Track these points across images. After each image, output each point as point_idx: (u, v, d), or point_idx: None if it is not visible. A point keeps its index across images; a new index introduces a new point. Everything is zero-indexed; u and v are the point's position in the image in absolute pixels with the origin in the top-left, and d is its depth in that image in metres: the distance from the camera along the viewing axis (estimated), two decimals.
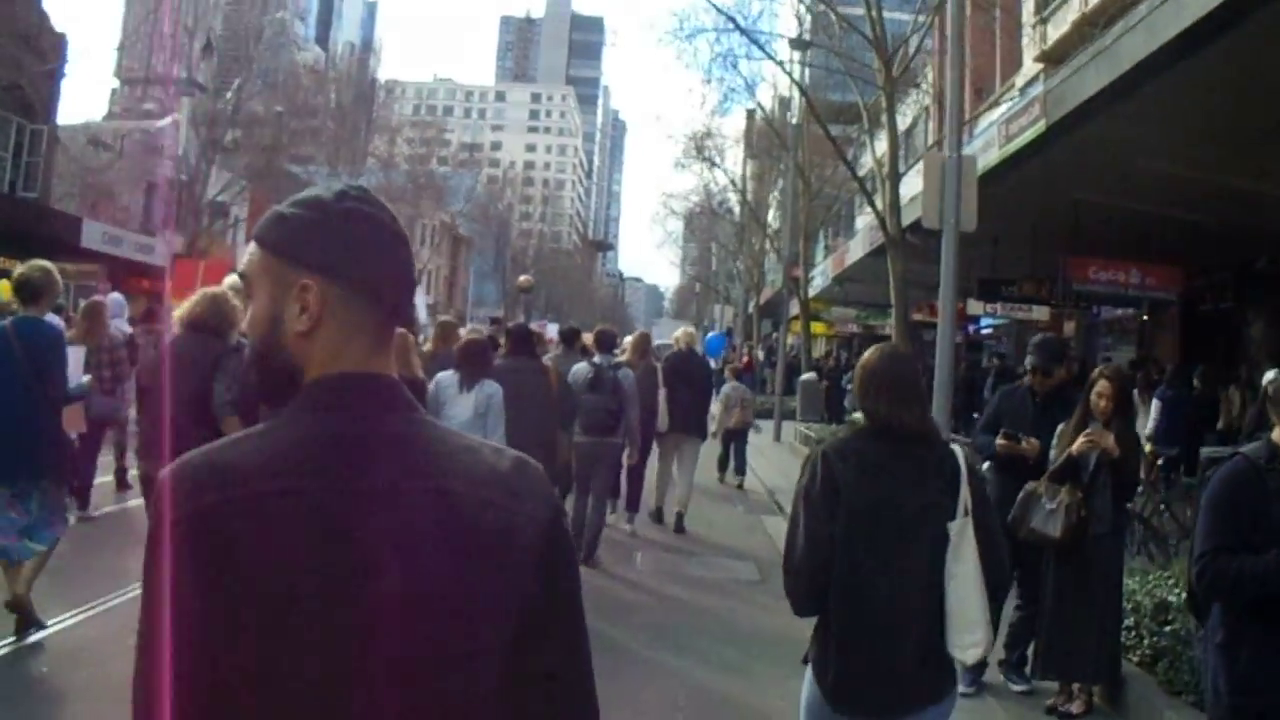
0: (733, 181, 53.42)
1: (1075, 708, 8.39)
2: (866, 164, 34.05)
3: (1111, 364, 9.11)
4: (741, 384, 23.12)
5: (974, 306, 26.19)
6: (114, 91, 65.84)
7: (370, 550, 1.86)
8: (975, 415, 25.82)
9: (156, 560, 1.87)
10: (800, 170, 35.22)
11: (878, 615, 4.39)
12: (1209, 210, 17.05)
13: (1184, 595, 6.56)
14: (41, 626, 8.32)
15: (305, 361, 2.03)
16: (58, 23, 37.71)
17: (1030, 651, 8.76)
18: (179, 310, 8.66)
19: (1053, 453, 8.38)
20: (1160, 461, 16.13)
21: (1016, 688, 8.93)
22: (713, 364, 36.30)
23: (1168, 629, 8.35)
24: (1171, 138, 14.49)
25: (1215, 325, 23.98)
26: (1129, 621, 8.73)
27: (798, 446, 26.65)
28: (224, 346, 8.25)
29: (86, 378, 9.98)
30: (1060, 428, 8.41)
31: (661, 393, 15.36)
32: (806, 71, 32.95)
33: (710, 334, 56.75)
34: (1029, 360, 9.30)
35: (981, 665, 7.69)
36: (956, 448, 4.66)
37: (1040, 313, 25.83)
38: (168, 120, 42.57)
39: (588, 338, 15.74)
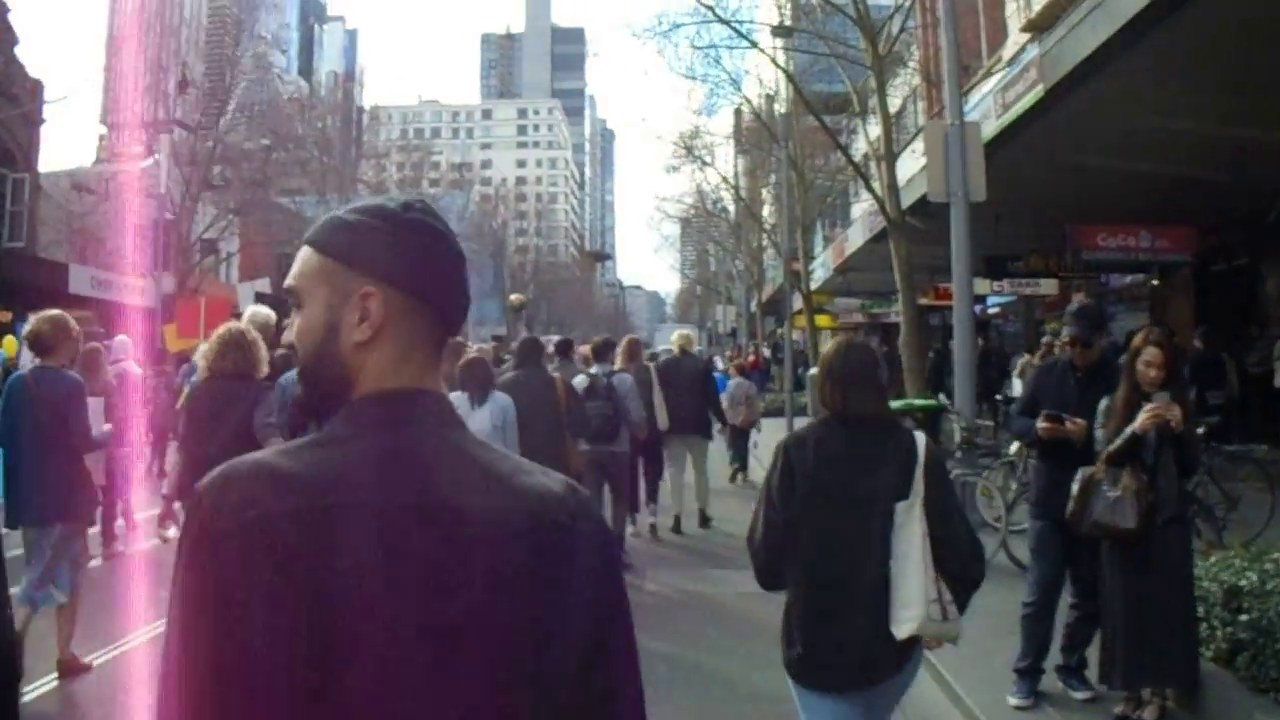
0: (725, 179, 52.86)
1: (1148, 715, 7.25)
2: (859, 150, 33.73)
3: (1157, 329, 7.63)
4: (748, 380, 22.92)
5: (980, 285, 25.60)
6: (101, 137, 65.38)
7: (440, 570, 1.82)
8: (998, 397, 25.51)
9: (197, 572, 1.80)
10: (793, 161, 34.62)
11: (835, 592, 4.74)
12: (1217, 165, 16.64)
13: (1256, 578, 6.61)
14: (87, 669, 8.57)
15: (359, 373, 1.97)
16: (34, 69, 37.48)
17: (1096, 656, 7.57)
18: (203, 356, 8.80)
19: (1099, 432, 7.36)
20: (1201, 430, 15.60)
21: (1078, 695, 7.86)
22: (720, 365, 35.96)
23: (1243, 618, 7.43)
24: (1175, 91, 14.05)
25: (1230, 284, 23.40)
26: (1198, 612, 7.60)
27: None
28: (255, 389, 8.41)
29: (108, 426, 9.83)
30: (1104, 404, 7.41)
31: (657, 394, 15.27)
32: (791, 60, 32.40)
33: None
34: (1067, 331, 8.13)
35: (1036, 672, 7.91)
36: (918, 435, 4.90)
37: (1048, 286, 25.39)
38: (149, 161, 42.13)
39: (585, 349, 16.00)
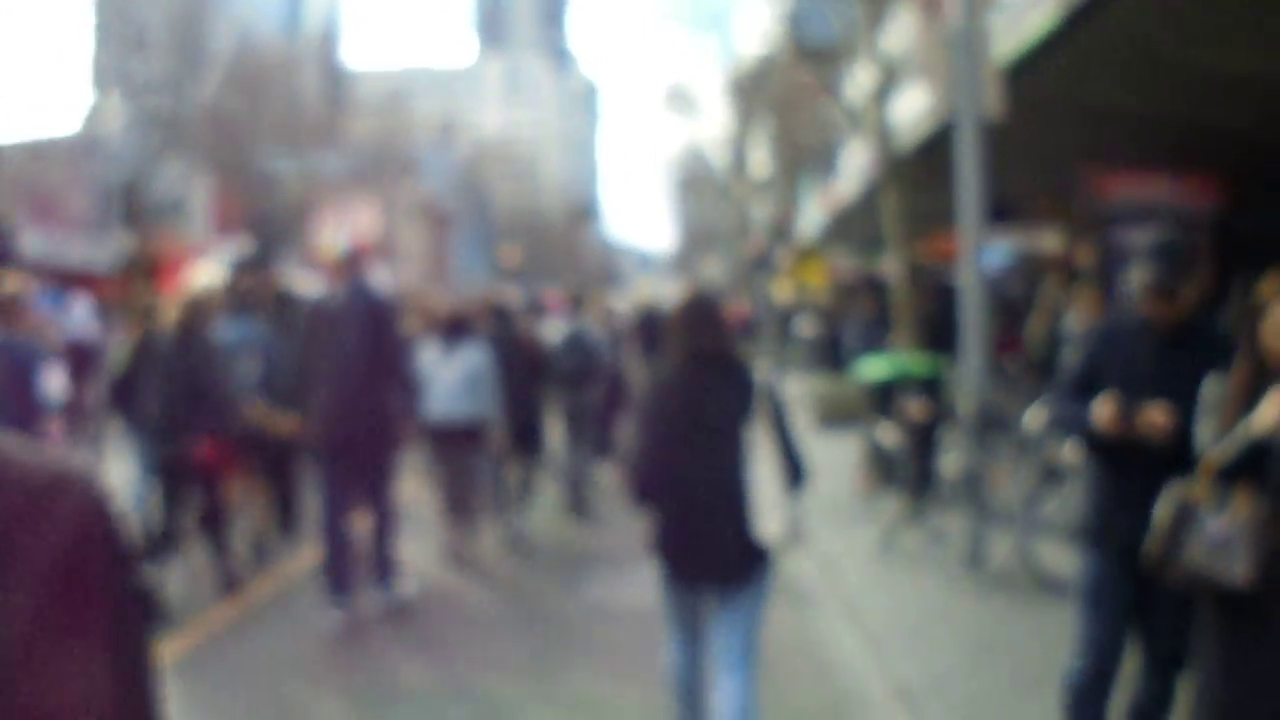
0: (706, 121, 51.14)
1: None
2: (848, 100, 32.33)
3: None
4: None
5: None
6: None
7: None
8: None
9: None
10: (780, 106, 33.04)
11: (692, 500, 5.59)
12: (1248, 108, 15.18)
13: None
14: None
15: None
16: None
17: None
18: (171, 310, 9.64)
19: (1201, 431, 4.74)
20: None
21: None
22: None
23: None
24: (1208, 16, 12.48)
25: (1255, 240, 21.83)
26: None
27: (796, 406, 22.99)
28: (211, 343, 9.57)
29: (63, 388, 9.71)
30: (1209, 387, 4.76)
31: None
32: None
33: None
34: (1142, 277, 5.30)
35: None
36: (755, 368, 5.95)
37: (1052, 242, 23.79)
38: (115, 123, 40.72)
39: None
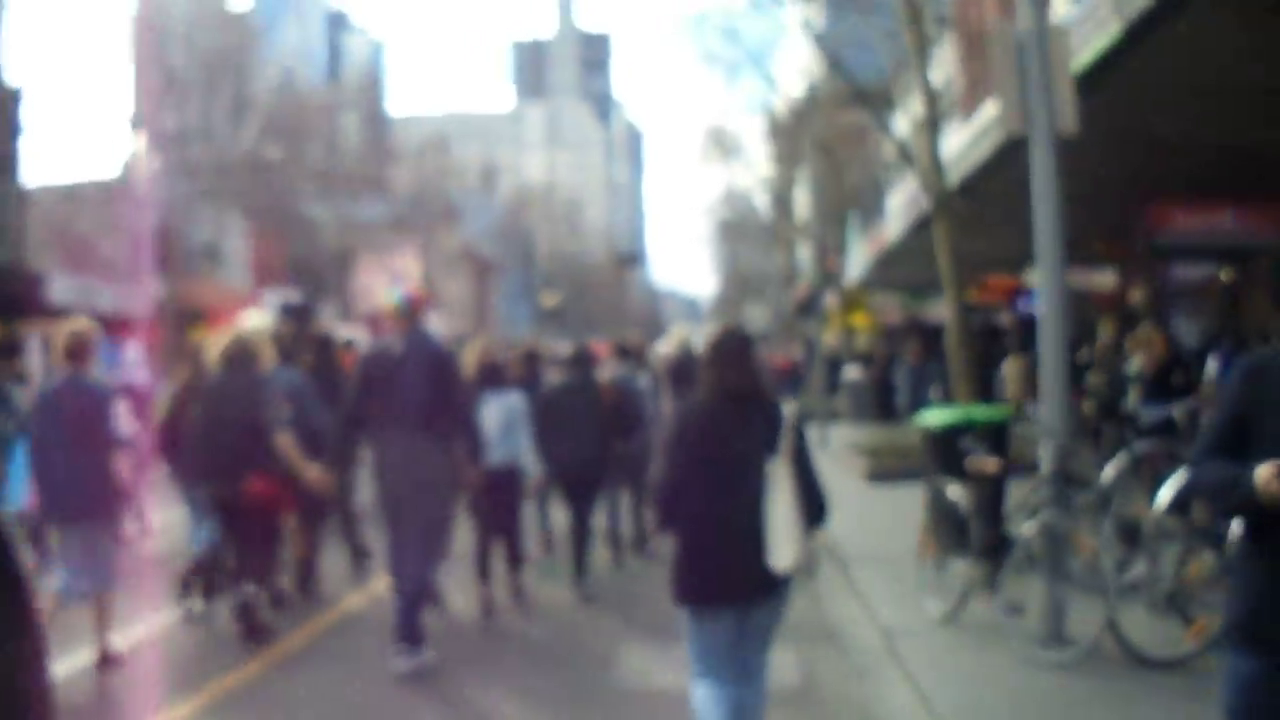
0: (748, 165, 50.48)
1: None
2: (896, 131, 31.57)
3: None
4: None
5: (1032, 277, 23.24)
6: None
7: None
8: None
9: None
10: (824, 147, 32.32)
11: (717, 531, 5.92)
12: None
13: None
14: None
15: None
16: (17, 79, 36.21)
17: None
18: (212, 353, 10.06)
19: None
20: None
21: None
22: None
23: None
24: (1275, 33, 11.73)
25: None
26: None
27: (848, 457, 22.21)
28: (261, 380, 9.76)
29: (132, 428, 10.02)
30: None
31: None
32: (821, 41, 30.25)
33: None
34: None
35: None
36: (783, 405, 6.22)
37: (1104, 280, 22.90)
38: (149, 168, 40.47)
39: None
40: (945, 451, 11.32)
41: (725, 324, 6.99)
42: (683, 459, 5.97)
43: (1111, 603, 8.24)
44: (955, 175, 18.33)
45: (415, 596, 9.11)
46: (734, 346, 6.19)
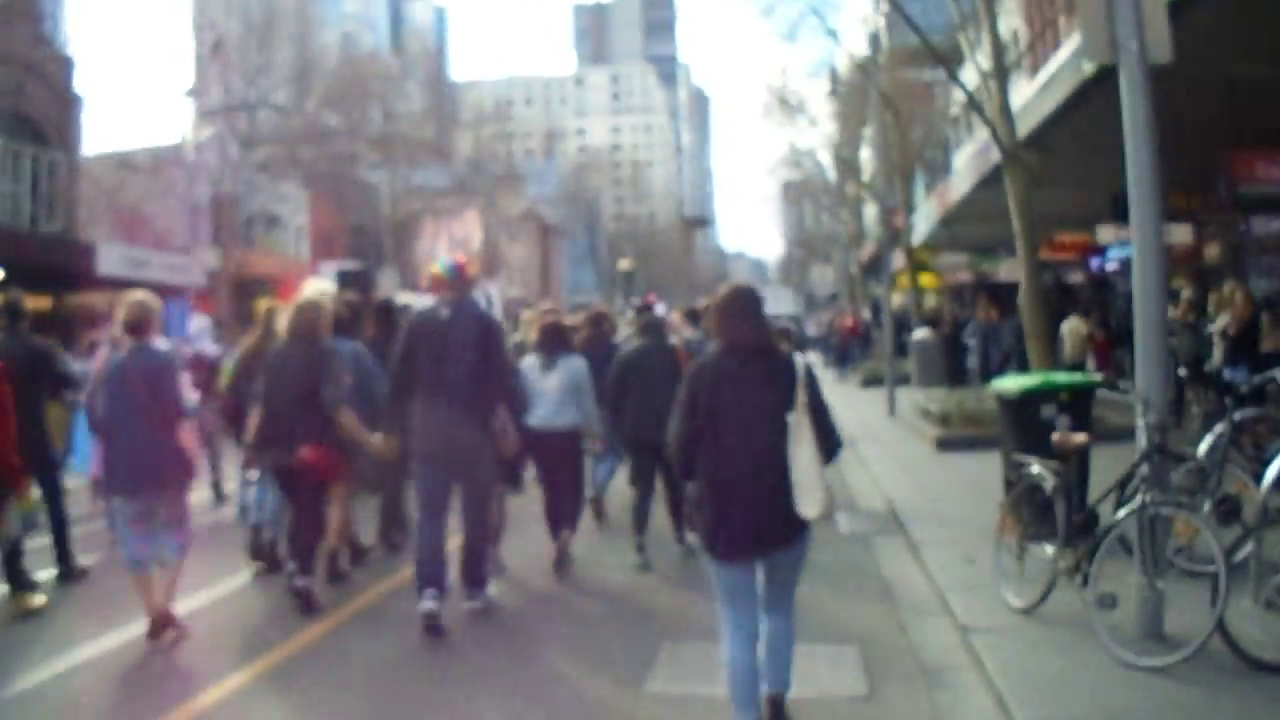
0: (812, 121, 49.51)
1: None
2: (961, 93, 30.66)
3: None
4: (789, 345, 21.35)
5: (1104, 234, 22.46)
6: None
7: None
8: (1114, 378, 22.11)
9: None
10: (888, 100, 31.43)
11: (735, 482, 6.21)
12: None
13: None
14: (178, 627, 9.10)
15: None
16: (73, 48, 36.13)
17: None
18: (280, 321, 10.19)
19: None
20: None
21: None
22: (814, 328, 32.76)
23: None
24: None
25: None
26: None
27: (917, 423, 20.77)
28: (324, 350, 9.74)
29: (196, 395, 10.45)
30: None
31: None
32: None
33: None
34: None
35: None
36: (796, 357, 6.50)
37: (1180, 233, 21.90)
38: (205, 137, 40.19)
39: (675, 316, 17.34)
40: (1025, 422, 10.55)
41: (734, 283, 6.96)
42: (698, 413, 6.30)
43: (1222, 598, 6.91)
44: (1024, 128, 17.58)
45: (475, 545, 9.54)
46: (743, 304, 6.49)
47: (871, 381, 32.56)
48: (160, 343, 9.60)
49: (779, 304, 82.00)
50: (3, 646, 9.04)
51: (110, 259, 33.58)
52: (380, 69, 60.80)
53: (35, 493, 10.51)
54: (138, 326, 9.17)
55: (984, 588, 9.25)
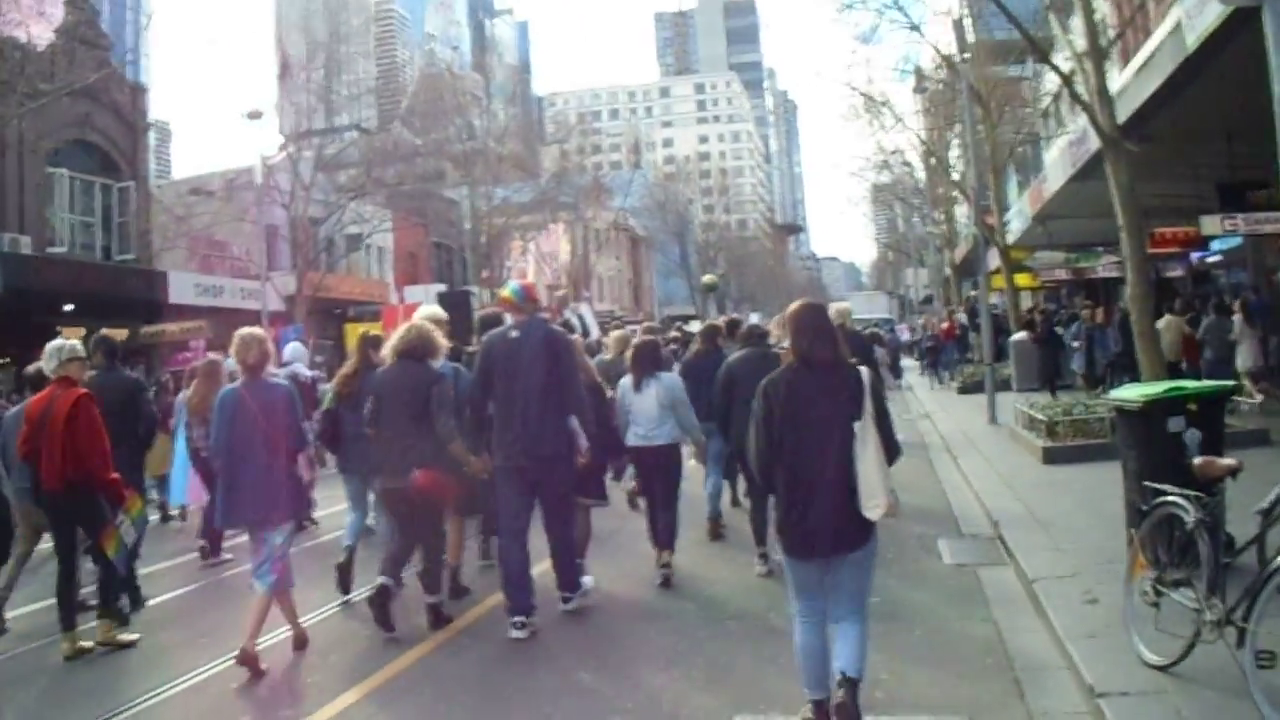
0: (900, 120, 48.31)
1: None
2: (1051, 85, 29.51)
3: None
4: (884, 351, 23.38)
5: (1208, 225, 21.30)
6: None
7: None
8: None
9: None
10: (978, 95, 30.41)
11: (811, 488, 6.55)
12: None
13: None
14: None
15: None
16: (147, 76, 36.19)
17: None
18: (391, 342, 10.31)
19: None
20: None
21: None
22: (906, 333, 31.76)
23: None
24: None
25: None
26: None
27: (1021, 433, 19.09)
28: (434, 374, 9.95)
29: (308, 424, 10.81)
30: None
31: None
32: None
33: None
34: None
35: None
36: (862, 370, 6.70)
37: None
38: (275, 158, 39.91)
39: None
40: (1149, 436, 9.19)
41: (805, 299, 7.39)
42: (774, 427, 6.65)
43: None
44: (1121, 115, 16.57)
45: (565, 552, 10.12)
46: (813, 320, 6.84)
47: (969, 388, 31.58)
48: (274, 376, 10.26)
49: (872, 309, 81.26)
50: (108, 670, 9.45)
51: (182, 287, 33.50)
52: (463, 85, 60.64)
53: (139, 501, 10.88)
54: (254, 364, 9.53)
55: (1110, 634, 7.85)
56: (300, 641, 9.58)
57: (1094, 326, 24.17)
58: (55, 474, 9.76)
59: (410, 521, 10.07)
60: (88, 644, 9.89)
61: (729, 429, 11.62)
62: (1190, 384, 9.80)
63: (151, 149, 38.24)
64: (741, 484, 14.22)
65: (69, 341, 10.60)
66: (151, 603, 11.65)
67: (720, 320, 16.59)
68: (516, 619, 9.46)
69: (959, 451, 18.30)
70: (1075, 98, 17.39)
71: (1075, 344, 25.04)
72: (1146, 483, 8.03)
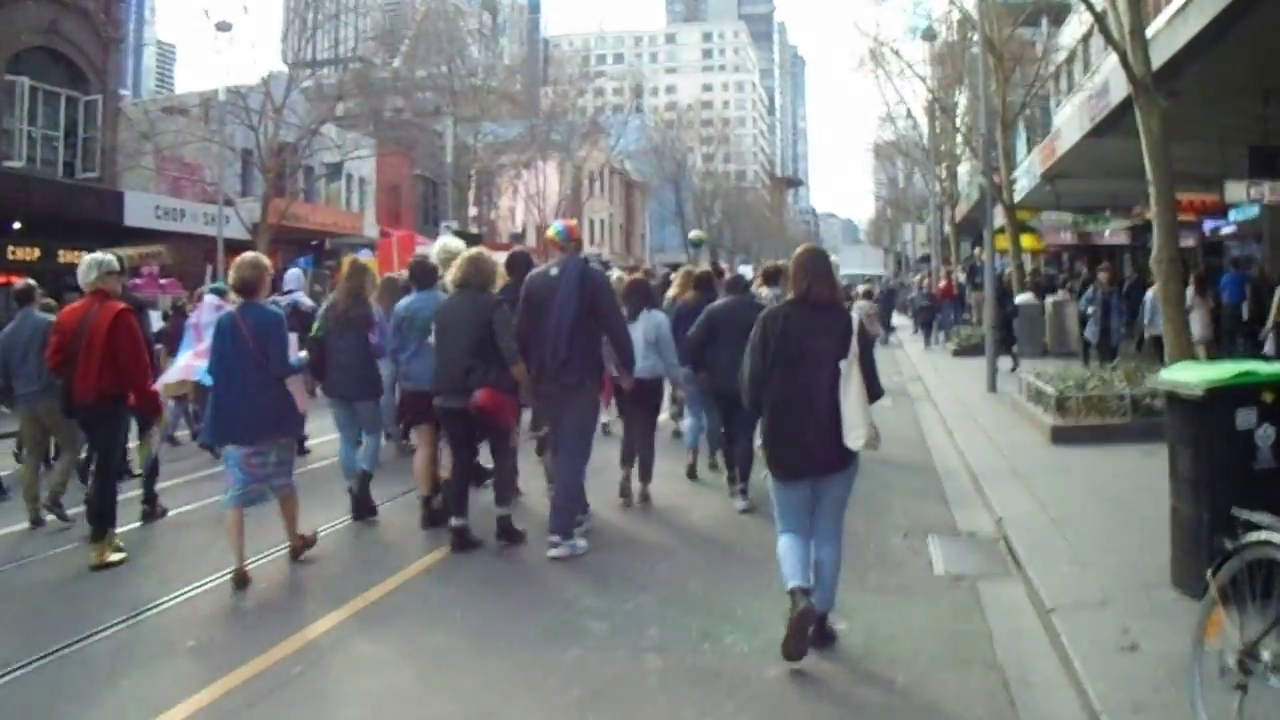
0: (909, 66, 46.93)
1: None
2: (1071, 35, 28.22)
3: None
4: (870, 303, 24.17)
5: (1233, 191, 19.93)
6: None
7: None
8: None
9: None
10: (991, 44, 28.94)
11: (796, 414, 7.08)
12: None
13: None
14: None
15: None
16: None
17: None
18: (449, 275, 10.78)
19: None
20: None
21: None
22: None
23: None
24: None
25: None
26: None
27: (1025, 406, 17.05)
28: (495, 300, 10.42)
29: (304, 354, 10.82)
30: None
31: None
32: None
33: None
34: None
35: None
36: (853, 312, 7.43)
37: None
38: (256, 82, 38.52)
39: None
40: (1212, 433, 7.24)
41: (809, 245, 8.10)
42: (768, 354, 7.16)
43: None
44: (1158, 54, 15.21)
45: (568, 494, 10.41)
46: (814, 262, 7.34)
47: (965, 351, 30.28)
48: (274, 304, 10.76)
49: (866, 264, 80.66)
50: (113, 583, 9.54)
51: (140, 209, 32.10)
52: (463, 20, 59.84)
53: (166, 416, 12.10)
54: (249, 287, 9.76)
55: (1165, 710, 5.70)
56: (301, 545, 10.06)
57: (1110, 292, 22.76)
58: (90, 386, 10.17)
59: (466, 441, 10.63)
60: (115, 557, 10.11)
61: (708, 371, 12.07)
62: (1264, 367, 7.49)
63: (152, 68, 36.84)
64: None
65: (106, 256, 10.96)
66: (179, 510, 12.27)
67: (708, 268, 17.30)
68: (554, 535, 10.14)
69: (955, 426, 16.65)
70: (1107, 37, 15.85)
71: (1089, 310, 23.56)
72: (1236, 510, 5.35)
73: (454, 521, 10.38)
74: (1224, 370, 7.36)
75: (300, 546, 10.02)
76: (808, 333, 7.12)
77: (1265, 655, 4.84)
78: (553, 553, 10.00)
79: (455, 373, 10.18)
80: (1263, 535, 5.05)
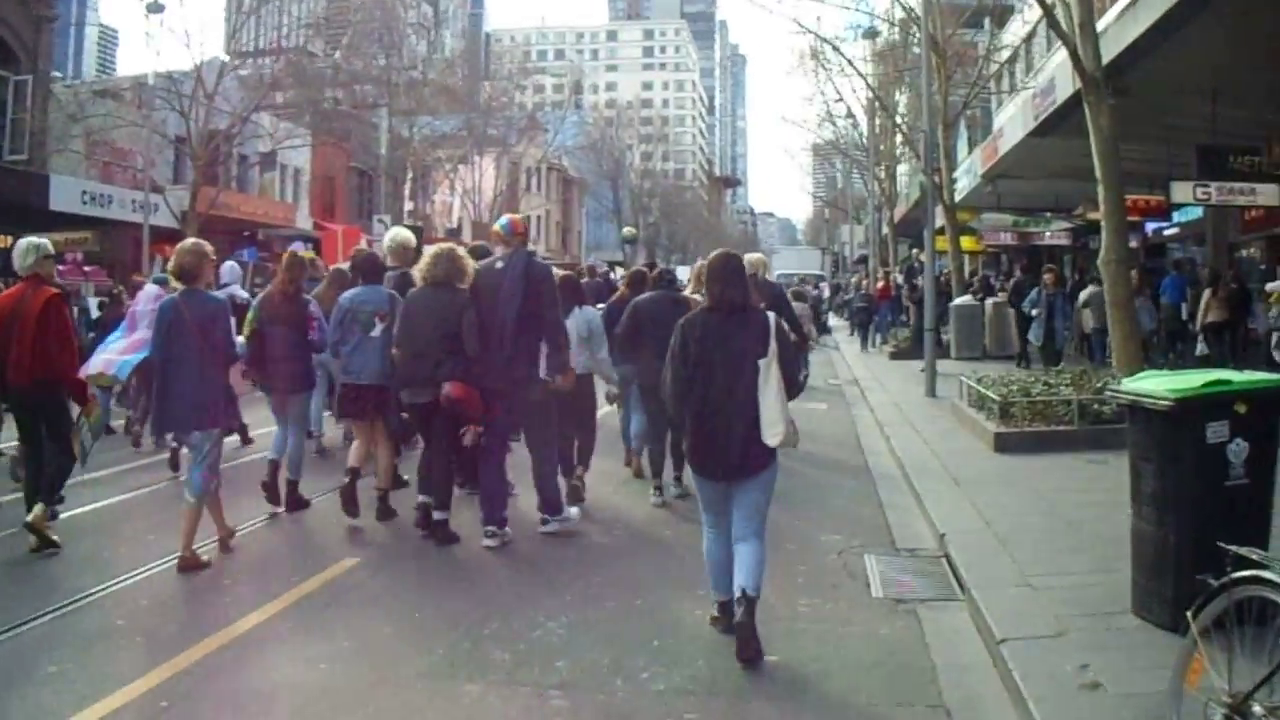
0: (849, 63, 46.70)
1: None
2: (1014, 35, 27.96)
3: None
4: (803, 304, 23.18)
5: (1180, 192, 19.55)
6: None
7: None
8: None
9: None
10: (935, 43, 28.59)
11: (716, 417, 7.26)
12: None
13: None
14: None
15: None
16: None
17: None
18: (420, 269, 10.77)
19: None
20: None
21: None
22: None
23: None
24: None
25: None
26: None
27: (967, 412, 16.48)
28: (465, 298, 10.38)
29: (240, 338, 11.10)
30: None
31: None
32: None
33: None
34: None
35: None
36: (769, 315, 7.45)
37: (1267, 195, 18.99)
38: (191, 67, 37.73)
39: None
40: (1180, 448, 6.64)
41: (723, 250, 8.11)
42: (689, 361, 7.34)
43: None
44: (1109, 48, 15.19)
45: (545, 477, 10.79)
46: (730, 267, 7.56)
47: (902, 354, 29.88)
48: (209, 289, 10.56)
49: (804, 264, 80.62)
50: (38, 574, 9.42)
51: (66, 193, 31.29)
52: (405, 14, 59.55)
53: (96, 409, 11.26)
54: (189, 273, 9.80)
55: None
56: (225, 545, 9.99)
57: (1055, 294, 22.57)
58: (24, 371, 10.19)
59: (438, 434, 10.67)
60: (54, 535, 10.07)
61: (636, 365, 12.19)
62: (1236, 376, 6.85)
63: (93, 52, 36.08)
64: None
65: (41, 240, 10.92)
66: (108, 502, 12.15)
67: (644, 267, 17.19)
68: (545, 514, 10.72)
69: (893, 433, 16.04)
70: (1057, 31, 15.51)
71: (1034, 312, 23.31)
72: (1222, 544, 4.81)
73: (436, 515, 10.52)
74: (1193, 379, 6.77)
75: (189, 565, 9.44)
76: (726, 336, 7.36)
77: (1257, 709, 4.29)
78: (544, 529, 10.67)
79: (424, 366, 10.34)
80: (1254, 572, 4.43)
